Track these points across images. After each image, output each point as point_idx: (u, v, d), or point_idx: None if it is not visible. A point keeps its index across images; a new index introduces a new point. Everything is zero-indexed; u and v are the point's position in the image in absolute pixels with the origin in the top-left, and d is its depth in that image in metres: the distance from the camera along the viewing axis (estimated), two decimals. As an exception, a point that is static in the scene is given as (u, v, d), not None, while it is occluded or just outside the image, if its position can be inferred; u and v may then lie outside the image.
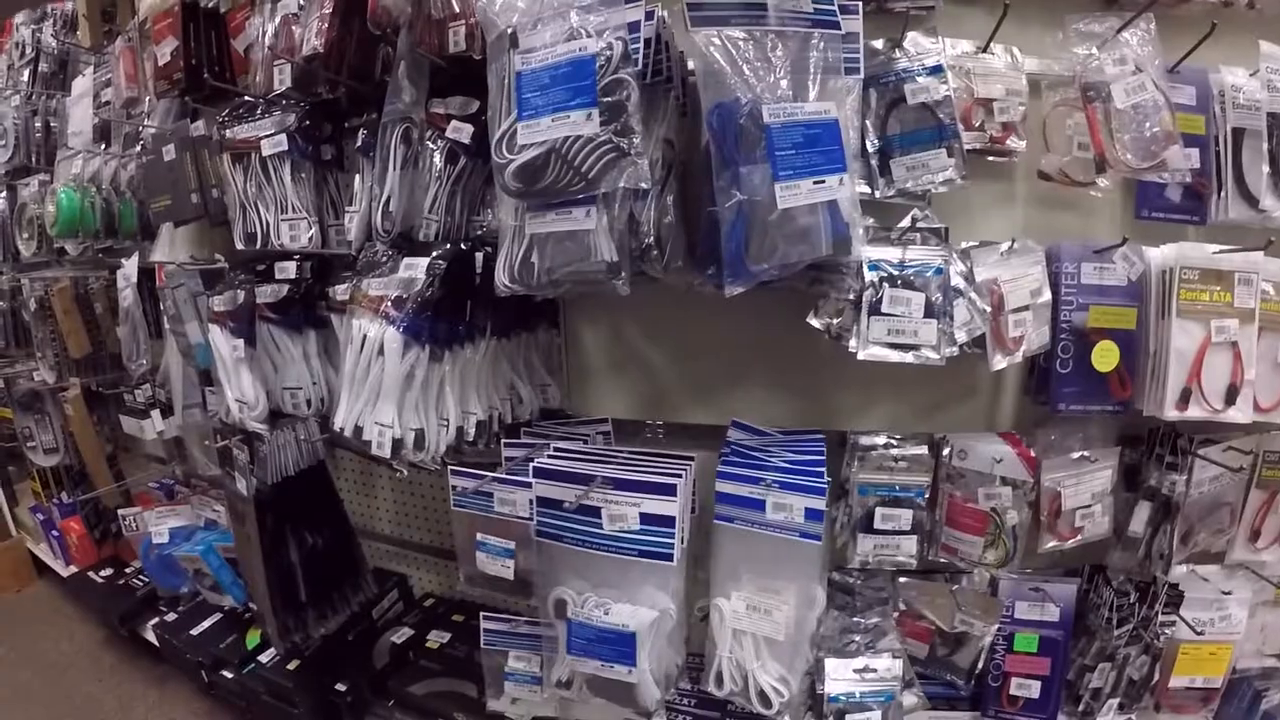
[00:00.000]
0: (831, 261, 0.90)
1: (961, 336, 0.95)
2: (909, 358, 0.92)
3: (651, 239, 0.90)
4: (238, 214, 1.13)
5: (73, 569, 2.02)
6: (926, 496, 1.03)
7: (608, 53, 0.85)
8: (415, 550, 1.48)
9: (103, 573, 1.92)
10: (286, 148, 1.05)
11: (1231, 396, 1.05)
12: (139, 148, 1.42)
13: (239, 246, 1.16)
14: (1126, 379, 1.06)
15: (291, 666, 1.32)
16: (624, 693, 0.99)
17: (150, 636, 1.63)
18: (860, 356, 0.92)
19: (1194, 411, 1.04)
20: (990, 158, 1.06)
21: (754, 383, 1.10)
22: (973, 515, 1.07)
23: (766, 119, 0.83)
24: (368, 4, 1.01)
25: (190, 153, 1.23)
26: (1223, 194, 1.11)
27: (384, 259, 1.00)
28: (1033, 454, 1.07)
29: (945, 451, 1.08)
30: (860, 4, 0.96)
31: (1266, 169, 1.08)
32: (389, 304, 0.96)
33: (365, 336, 0.96)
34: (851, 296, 0.94)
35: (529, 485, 0.96)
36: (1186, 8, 1.10)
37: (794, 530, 0.94)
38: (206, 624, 1.53)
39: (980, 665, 1.16)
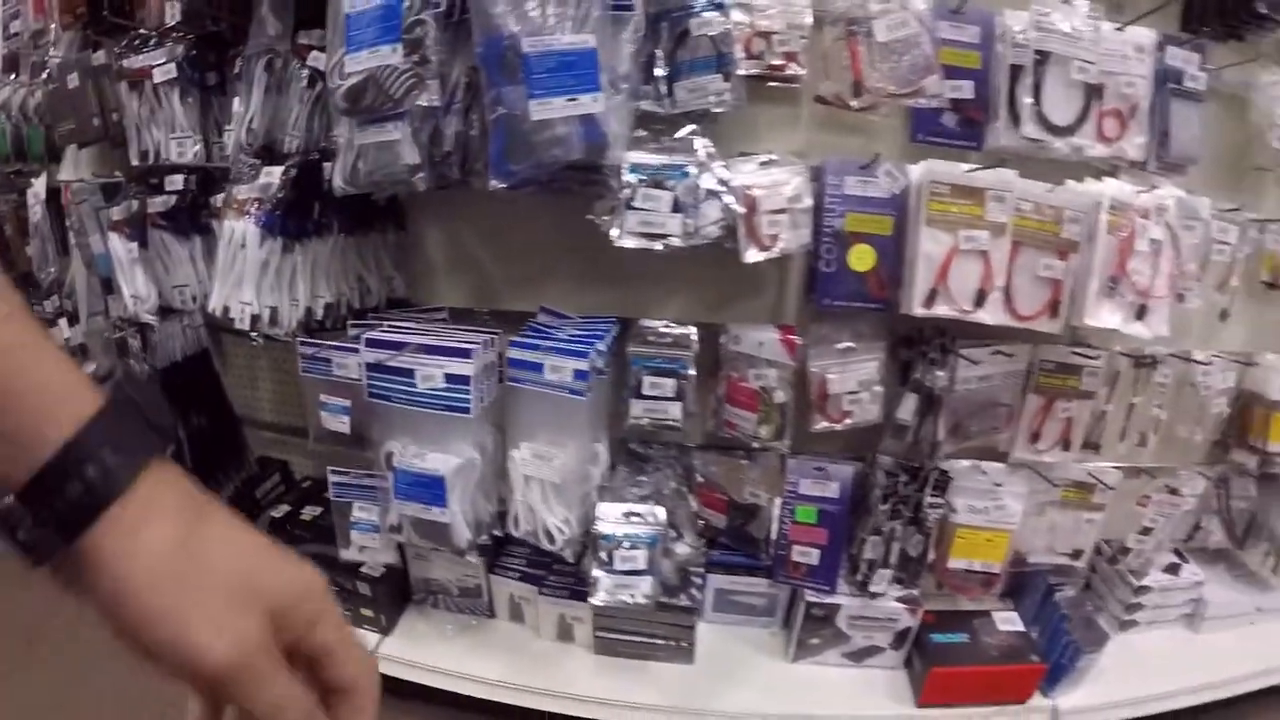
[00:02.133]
0: (592, 164, 1.13)
1: (714, 231, 1.17)
2: (657, 245, 1.17)
3: (450, 147, 1.15)
4: (133, 135, 1.44)
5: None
6: (691, 370, 1.25)
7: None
8: (295, 436, 1.78)
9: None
10: (175, 76, 1.35)
11: (980, 300, 1.25)
12: (45, 76, 1.67)
13: (134, 164, 1.47)
14: (885, 280, 1.26)
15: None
16: (440, 533, 1.28)
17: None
18: (618, 244, 1.17)
19: (941, 309, 1.26)
20: (772, 83, 1.27)
21: (567, 277, 1.37)
22: (745, 393, 1.31)
23: (525, 49, 1.06)
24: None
25: (92, 81, 1.50)
26: (996, 123, 1.28)
27: (249, 170, 1.27)
28: (795, 340, 1.28)
29: (723, 338, 1.30)
30: None
31: (1029, 100, 1.25)
32: (251, 205, 1.25)
33: (232, 232, 1.25)
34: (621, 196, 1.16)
35: (357, 351, 1.23)
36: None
37: (565, 389, 1.20)
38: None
39: (772, 535, 1.39)
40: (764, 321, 1.36)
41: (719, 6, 1.24)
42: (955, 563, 1.44)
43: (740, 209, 1.20)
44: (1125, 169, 1.35)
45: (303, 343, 1.31)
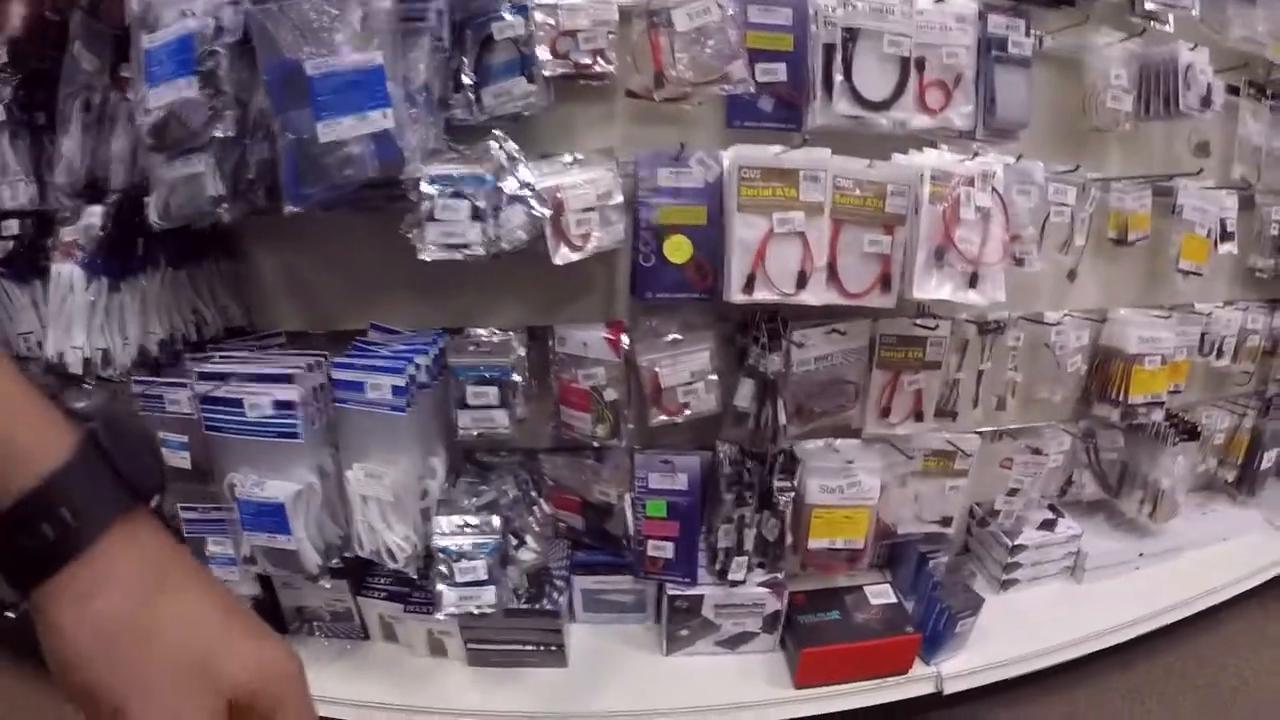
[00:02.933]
0: (391, 180, 1.14)
1: (520, 235, 1.19)
2: (458, 255, 1.18)
3: (254, 175, 1.17)
4: None
5: None
6: (516, 376, 1.28)
7: (204, 30, 1.12)
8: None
9: None
10: (4, 118, 1.35)
11: (802, 281, 1.28)
12: None
13: None
14: (707, 269, 1.29)
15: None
16: (290, 560, 1.32)
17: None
18: (421, 257, 1.18)
19: (761, 294, 1.29)
20: (583, 81, 1.29)
21: (399, 291, 1.41)
22: (577, 394, 1.36)
23: (308, 71, 1.08)
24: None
25: None
26: (814, 104, 1.30)
27: (73, 210, 1.29)
28: (618, 337, 1.31)
29: (550, 341, 1.33)
30: None
31: (840, 78, 1.29)
32: (75, 247, 1.26)
33: (59, 276, 1.26)
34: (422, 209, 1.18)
35: (185, 385, 1.24)
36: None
37: (386, 406, 1.22)
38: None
39: (630, 531, 1.41)
40: (597, 320, 1.39)
41: (521, 9, 1.27)
42: (816, 543, 1.48)
43: (546, 211, 1.23)
44: (953, 139, 1.38)
45: (135, 382, 1.33)
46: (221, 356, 1.33)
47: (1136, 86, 1.51)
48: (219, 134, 1.15)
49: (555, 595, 1.44)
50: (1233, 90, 1.67)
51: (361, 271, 1.42)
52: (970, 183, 1.31)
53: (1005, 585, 1.68)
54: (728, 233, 1.28)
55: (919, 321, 1.44)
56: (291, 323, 1.48)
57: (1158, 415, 1.65)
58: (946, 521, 1.60)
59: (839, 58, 1.30)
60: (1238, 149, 1.71)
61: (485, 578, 1.27)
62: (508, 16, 1.26)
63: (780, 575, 1.48)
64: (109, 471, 0.41)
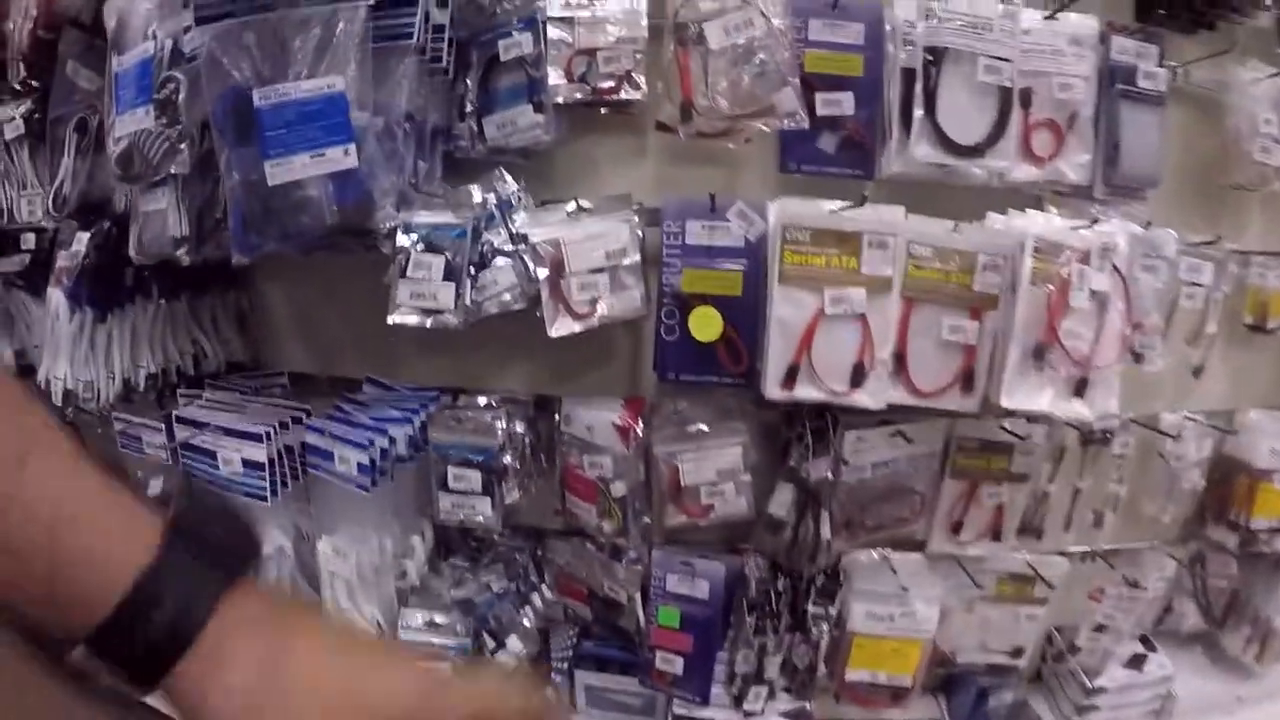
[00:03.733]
0: (356, 229, 0.94)
1: (506, 299, 0.95)
2: (428, 321, 0.94)
3: (220, 216, 1.00)
4: None
5: None
6: (506, 458, 1.04)
7: (160, 53, 0.95)
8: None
9: None
10: (23, 131, 1.25)
11: (859, 377, 0.96)
12: None
13: None
14: (741, 350, 0.99)
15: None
16: None
17: None
18: (389, 320, 0.96)
19: (804, 392, 0.95)
20: (605, 110, 1.01)
21: (406, 340, 1.15)
22: (582, 482, 1.06)
23: (257, 103, 0.88)
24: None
25: None
26: (890, 144, 0.98)
27: (67, 236, 1.17)
28: (632, 424, 1.04)
29: (557, 416, 1.08)
30: None
31: (920, 113, 0.93)
32: (65, 274, 1.14)
33: (49, 301, 1.15)
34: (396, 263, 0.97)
35: (160, 429, 1.11)
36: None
37: (351, 481, 1.01)
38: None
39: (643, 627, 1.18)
40: (618, 393, 1.07)
41: (529, 24, 0.99)
42: (855, 674, 1.12)
43: (542, 271, 0.95)
44: (1066, 196, 1.01)
45: (115, 418, 1.15)
46: (207, 399, 1.13)
47: None
48: (174, 170, 0.94)
49: (548, 692, 1.17)
50: None
51: (370, 316, 1.10)
52: (1085, 259, 0.92)
53: None
54: (768, 309, 0.94)
55: (1006, 426, 1.06)
56: (296, 363, 1.26)
57: None
58: (1017, 653, 1.22)
59: (919, 87, 0.94)
60: None
61: None
62: (517, 34, 0.97)
63: (808, 705, 1.14)
64: (204, 548, 0.40)
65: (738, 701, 1.14)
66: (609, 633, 1.24)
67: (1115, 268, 0.94)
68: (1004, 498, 1.11)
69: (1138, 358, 1.05)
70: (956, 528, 1.12)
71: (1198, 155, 1.10)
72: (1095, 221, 0.95)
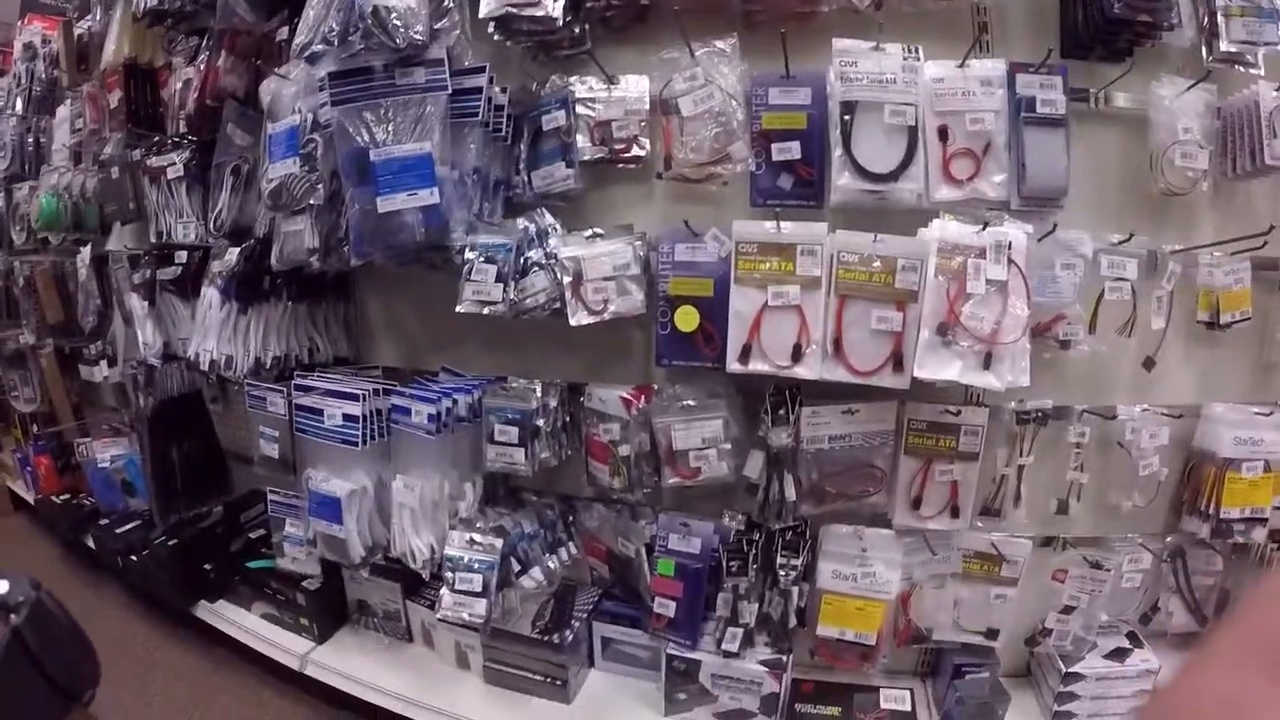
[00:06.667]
0: (438, 245, 1.42)
1: (540, 298, 1.40)
2: (485, 310, 1.40)
3: (342, 235, 1.51)
4: (152, 217, 1.92)
5: (37, 497, 2.70)
6: (538, 421, 1.47)
7: (304, 122, 1.49)
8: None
9: (62, 497, 2.63)
10: (183, 174, 1.83)
11: (796, 355, 1.32)
12: (97, 165, 2.24)
13: (152, 240, 1.93)
14: (715, 338, 1.38)
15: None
16: (341, 548, 1.57)
17: (90, 542, 2.34)
18: (458, 309, 1.41)
19: (757, 366, 1.33)
20: (620, 165, 1.48)
21: (475, 342, 1.63)
22: (598, 446, 1.47)
23: (372, 158, 1.40)
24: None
25: (130, 173, 2.00)
26: (832, 179, 1.37)
27: (222, 249, 1.73)
28: (637, 399, 1.43)
29: (583, 397, 1.50)
30: (487, 68, 1.46)
31: (838, 151, 1.32)
32: (219, 276, 1.69)
33: (204, 297, 1.70)
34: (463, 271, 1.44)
35: (281, 393, 1.61)
36: (813, 18, 1.38)
37: (421, 429, 1.47)
38: (128, 527, 2.21)
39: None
40: (633, 382, 1.48)
41: (563, 104, 1.47)
42: (825, 630, 1.42)
43: (567, 278, 1.39)
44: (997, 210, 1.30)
45: (248, 384, 1.68)
46: (317, 376, 1.62)
47: (1219, 141, 1.33)
48: (313, 201, 1.46)
49: (567, 634, 1.53)
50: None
51: (447, 322, 1.58)
52: (981, 254, 1.24)
53: (1058, 718, 1.47)
54: (729, 305, 1.33)
55: (949, 407, 1.36)
56: (389, 358, 1.76)
57: (1259, 534, 1.37)
58: (992, 634, 1.46)
59: (837, 132, 1.31)
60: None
61: (479, 590, 1.42)
62: (554, 111, 1.45)
63: (785, 658, 1.43)
64: (38, 676, 0.38)
65: (719, 643, 1.44)
66: (626, 594, 1.59)
67: (1013, 263, 1.25)
68: (956, 475, 1.40)
69: (1064, 345, 1.35)
70: (917, 503, 1.41)
71: (1128, 167, 1.40)
72: (986, 225, 1.27)
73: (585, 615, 1.60)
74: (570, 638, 1.55)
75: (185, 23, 1.94)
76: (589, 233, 1.43)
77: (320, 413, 1.55)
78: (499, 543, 1.44)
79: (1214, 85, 1.36)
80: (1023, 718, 1.50)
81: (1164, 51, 1.37)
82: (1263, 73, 1.33)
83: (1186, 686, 0.33)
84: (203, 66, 1.84)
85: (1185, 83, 1.35)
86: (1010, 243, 1.26)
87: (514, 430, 1.46)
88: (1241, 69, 1.34)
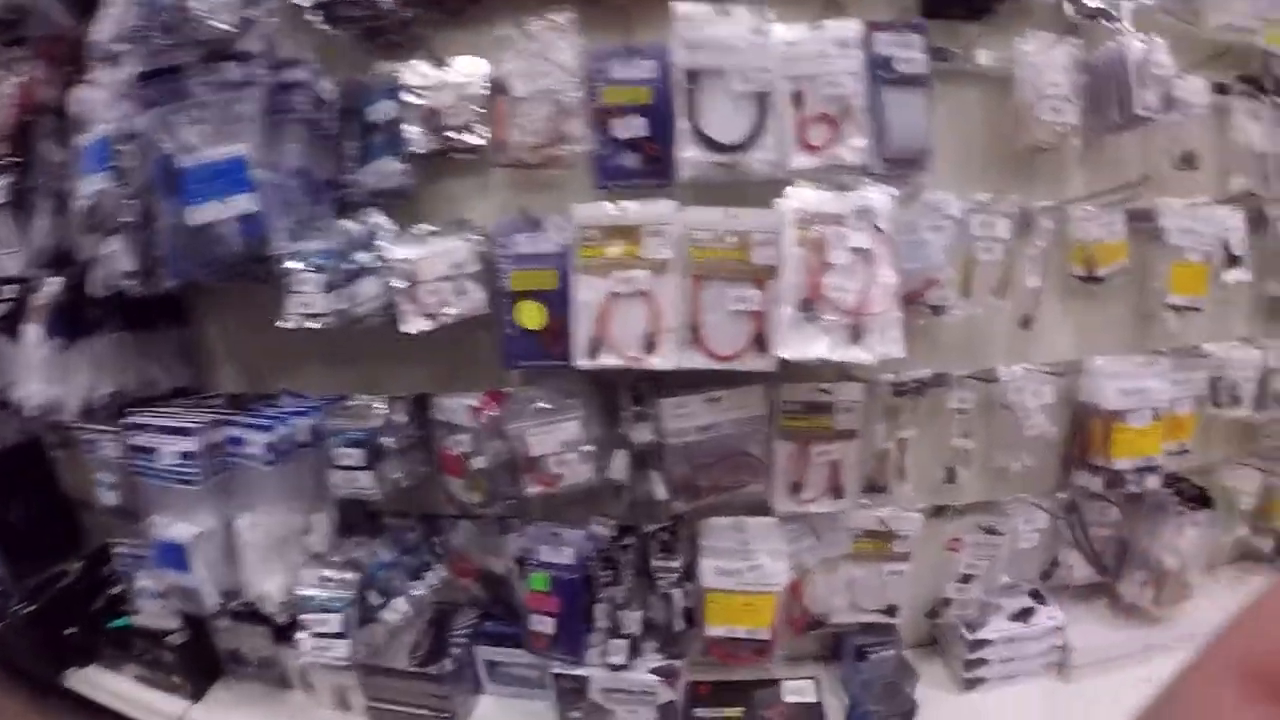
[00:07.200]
0: (258, 256, 1.32)
1: (373, 305, 1.30)
2: (313, 324, 1.30)
3: (159, 254, 1.40)
4: None
5: None
6: (384, 439, 1.38)
7: (114, 133, 1.38)
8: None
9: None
10: (3, 200, 1.66)
11: (650, 344, 1.25)
12: None
13: None
14: (564, 334, 1.30)
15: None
16: (194, 598, 1.46)
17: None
18: (280, 324, 1.32)
19: (607, 360, 1.25)
20: (456, 155, 1.39)
21: (318, 360, 1.53)
22: (450, 460, 1.39)
23: (181, 165, 1.29)
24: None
25: None
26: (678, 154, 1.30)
27: (39, 280, 1.59)
28: (486, 406, 1.35)
29: (430, 410, 1.41)
30: (312, 58, 1.37)
31: (684, 124, 1.25)
32: (38, 311, 1.56)
33: (26, 334, 1.57)
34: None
35: (114, 434, 1.49)
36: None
37: (258, 461, 1.37)
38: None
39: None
40: (482, 388, 1.40)
41: (391, 94, 1.38)
42: (714, 629, 1.35)
43: (400, 282, 1.30)
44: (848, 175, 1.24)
45: (79, 428, 1.57)
46: (150, 412, 1.50)
47: (1089, 95, 1.31)
48: (125, 219, 1.35)
49: (445, 662, 1.44)
50: (1220, 89, 1.40)
51: (289, 342, 1.46)
52: (842, 222, 1.19)
53: (970, 685, 1.44)
54: (572, 296, 1.26)
55: (822, 386, 1.32)
56: (232, 384, 1.65)
57: (1153, 482, 1.37)
58: (891, 611, 1.42)
59: (681, 102, 1.24)
60: (1235, 157, 1.44)
61: (339, 631, 1.34)
62: (381, 103, 1.37)
63: (677, 663, 1.37)
64: None
65: (603, 656, 1.37)
66: (505, 613, 1.51)
67: (878, 228, 1.20)
68: (836, 455, 1.35)
69: (937, 310, 1.31)
70: (797, 487, 1.36)
71: (995, 126, 1.38)
72: (844, 189, 1.21)
73: (465, 640, 1.52)
74: (450, 666, 1.46)
75: (6, 32, 1.80)
76: (423, 230, 1.34)
77: (152, 451, 1.44)
78: (353, 577, 1.35)
79: (1080, 40, 1.33)
80: (935, 689, 1.47)
81: (1027, 7, 1.35)
82: (1127, 25, 1.31)
83: (1162, 707, 0.35)
84: (24, 80, 1.70)
85: (1050, 38, 1.33)
86: (873, 208, 1.20)
87: (358, 452, 1.36)
88: (1105, 23, 1.32)
